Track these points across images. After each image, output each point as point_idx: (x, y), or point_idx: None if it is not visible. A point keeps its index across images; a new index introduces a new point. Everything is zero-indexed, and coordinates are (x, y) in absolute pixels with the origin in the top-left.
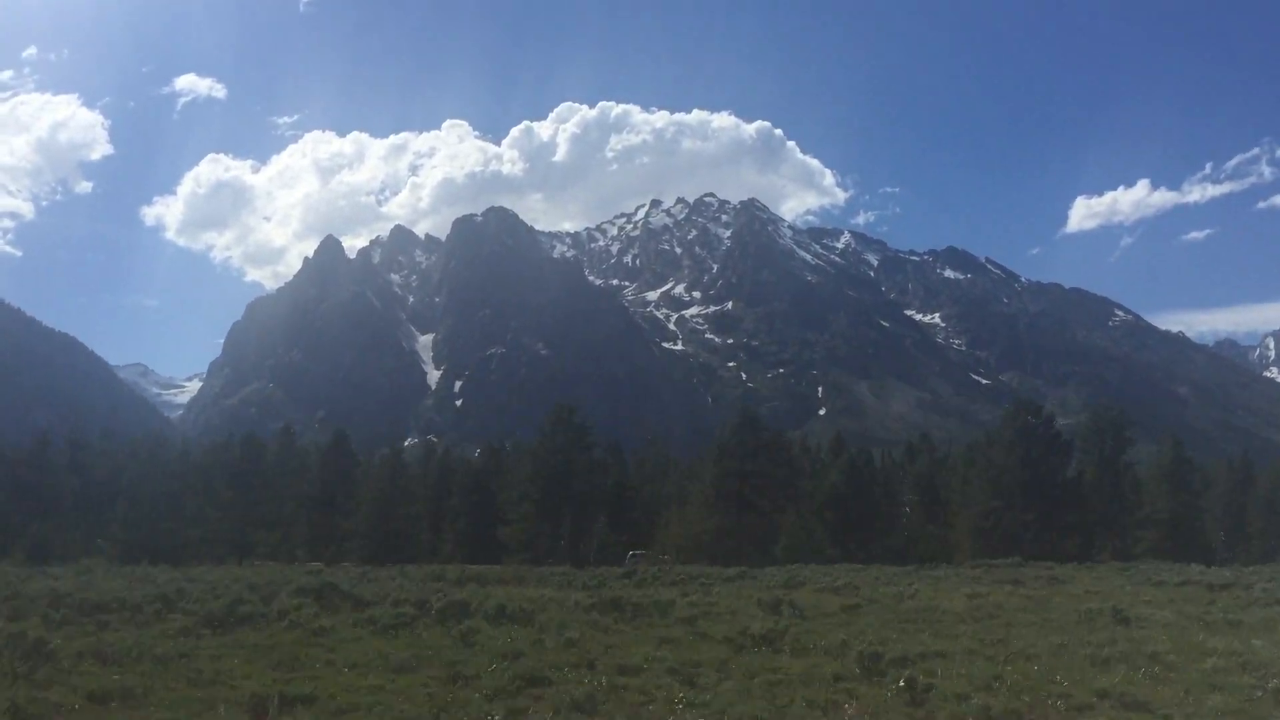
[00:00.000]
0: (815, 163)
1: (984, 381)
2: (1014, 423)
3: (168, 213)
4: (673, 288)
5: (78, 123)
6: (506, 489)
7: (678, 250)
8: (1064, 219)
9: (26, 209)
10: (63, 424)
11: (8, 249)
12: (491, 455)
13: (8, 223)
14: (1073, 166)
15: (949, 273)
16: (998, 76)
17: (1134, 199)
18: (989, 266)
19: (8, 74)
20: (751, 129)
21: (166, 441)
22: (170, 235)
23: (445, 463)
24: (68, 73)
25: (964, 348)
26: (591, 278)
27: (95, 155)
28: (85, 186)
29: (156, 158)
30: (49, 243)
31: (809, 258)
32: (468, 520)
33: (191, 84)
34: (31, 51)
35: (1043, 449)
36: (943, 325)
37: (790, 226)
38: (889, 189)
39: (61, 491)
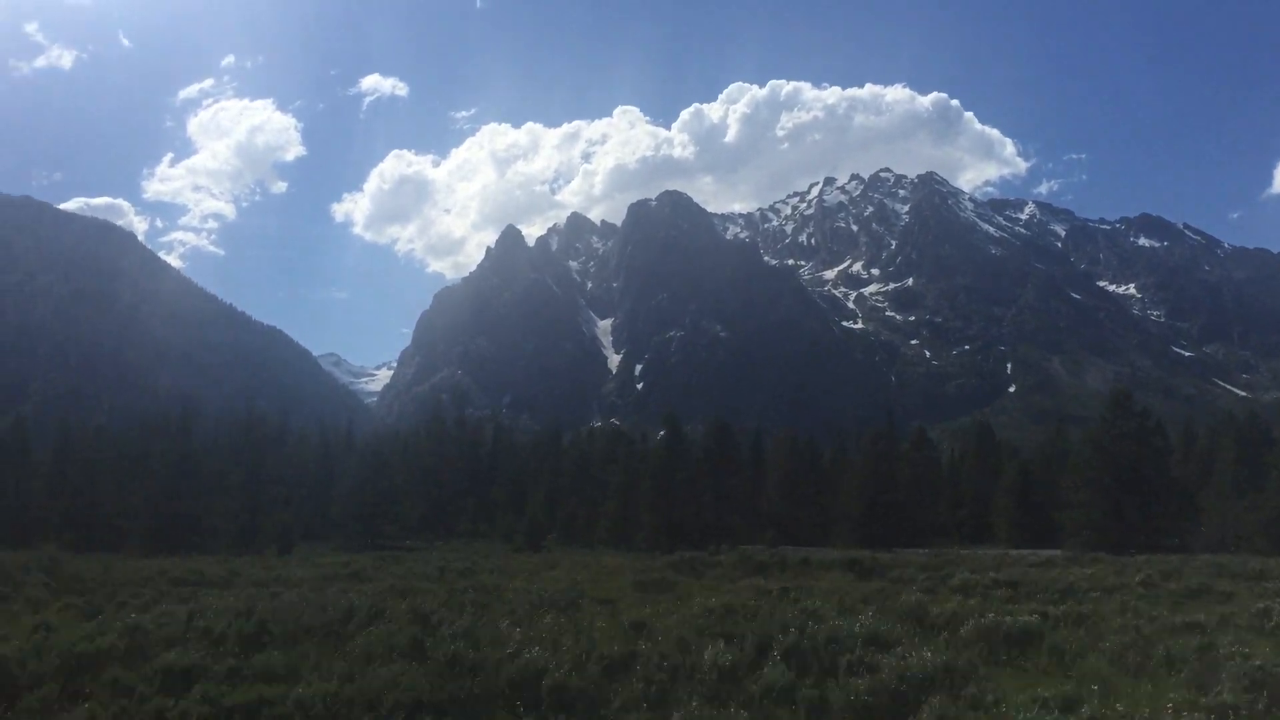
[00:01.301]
0: (994, 132)
1: (1187, 354)
2: None
3: (355, 209)
4: (850, 265)
5: (273, 126)
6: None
7: (854, 227)
8: (1268, 180)
9: (229, 210)
10: (275, 414)
11: (212, 248)
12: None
13: (212, 224)
14: (1275, 123)
15: (1144, 241)
16: (1188, 29)
17: None
18: (1187, 233)
19: (209, 82)
20: (927, 101)
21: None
22: (358, 230)
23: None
24: (263, 78)
25: (1163, 319)
26: (767, 258)
27: (289, 156)
28: (280, 187)
29: (345, 156)
30: (249, 241)
31: (992, 230)
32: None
33: (376, 84)
34: (230, 60)
35: None
36: (1139, 296)
37: (971, 199)
38: (1074, 155)
39: (303, 479)
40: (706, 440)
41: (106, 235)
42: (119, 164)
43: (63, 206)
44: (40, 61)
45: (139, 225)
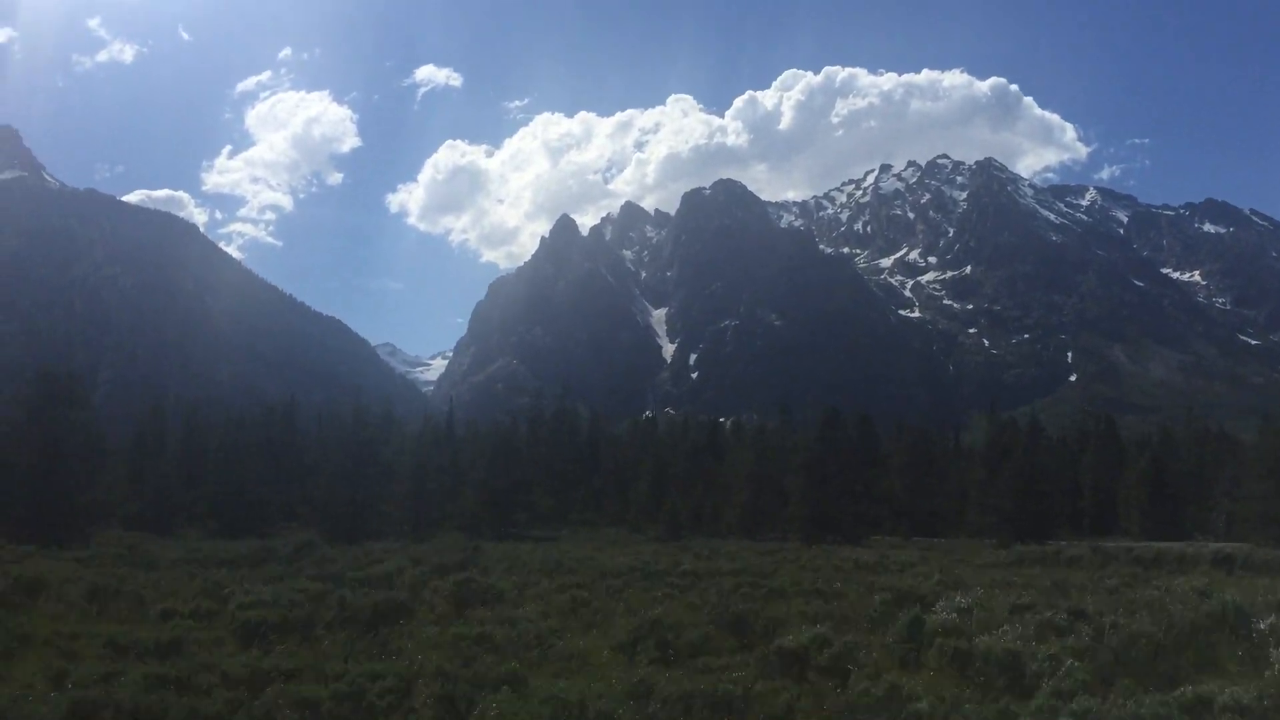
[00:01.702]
0: (1054, 117)
1: (1253, 342)
2: None
3: (410, 199)
4: (907, 253)
5: (329, 118)
6: None
7: (910, 215)
8: None
9: (286, 201)
10: (333, 403)
11: (270, 240)
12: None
13: (270, 215)
14: None
15: (1209, 227)
16: (1256, 9)
17: None
18: (1254, 219)
19: (267, 74)
20: (985, 86)
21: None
22: (412, 220)
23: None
24: (319, 71)
25: (1229, 306)
26: (822, 246)
27: (345, 148)
28: (336, 178)
29: (399, 147)
30: (305, 232)
31: (1052, 217)
32: None
33: (430, 75)
34: (287, 52)
35: None
36: (1204, 283)
37: (1030, 185)
38: (1137, 140)
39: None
40: (848, 431)
41: (169, 227)
42: (179, 157)
43: (125, 199)
44: (102, 56)
45: (198, 217)
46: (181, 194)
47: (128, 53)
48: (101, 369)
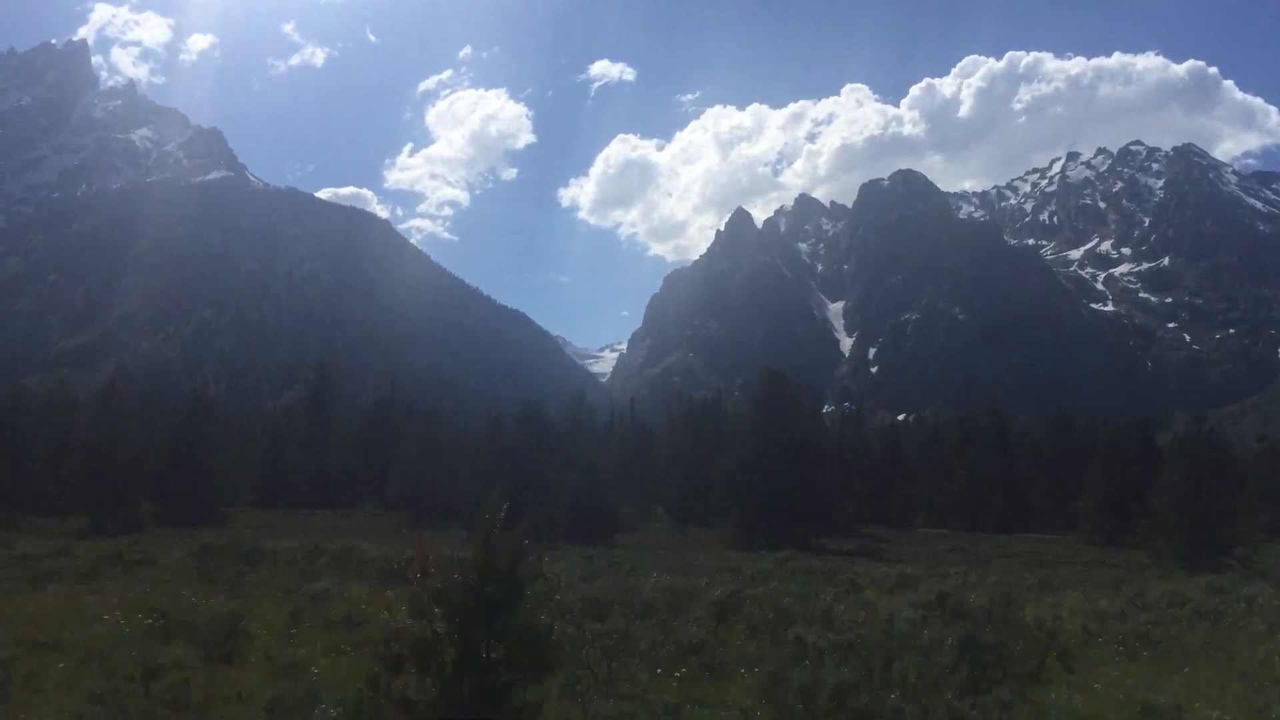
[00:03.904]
0: (1257, 101)
1: None
2: None
3: (581, 193)
4: (1098, 245)
5: (505, 114)
6: None
7: (1101, 204)
8: None
9: (463, 197)
10: (519, 394)
11: (447, 235)
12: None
13: (448, 210)
14: None
15: None
16: None
17: None
18: None
19: (447, 73)
20: (1181, 69)
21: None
22: (583, 215)
23: None
24: (497, 68)
25: None
26: (1005, 238)
27: (520, 144)
28: (511, 173)
29: (572, 142)
30: (480, 227)
31: (1259, 205)
32: None
33: (604, 70)
34: (467, 51)
35: None
36: None
37: (1234, 171)
38: None
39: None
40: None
41: (362, 223)
42: (363, 155)
43: (316, 196)
44: (295, 60)
45: (381, 214)
46: (365, 191)
47: (319, 56)
48: (306, 360)
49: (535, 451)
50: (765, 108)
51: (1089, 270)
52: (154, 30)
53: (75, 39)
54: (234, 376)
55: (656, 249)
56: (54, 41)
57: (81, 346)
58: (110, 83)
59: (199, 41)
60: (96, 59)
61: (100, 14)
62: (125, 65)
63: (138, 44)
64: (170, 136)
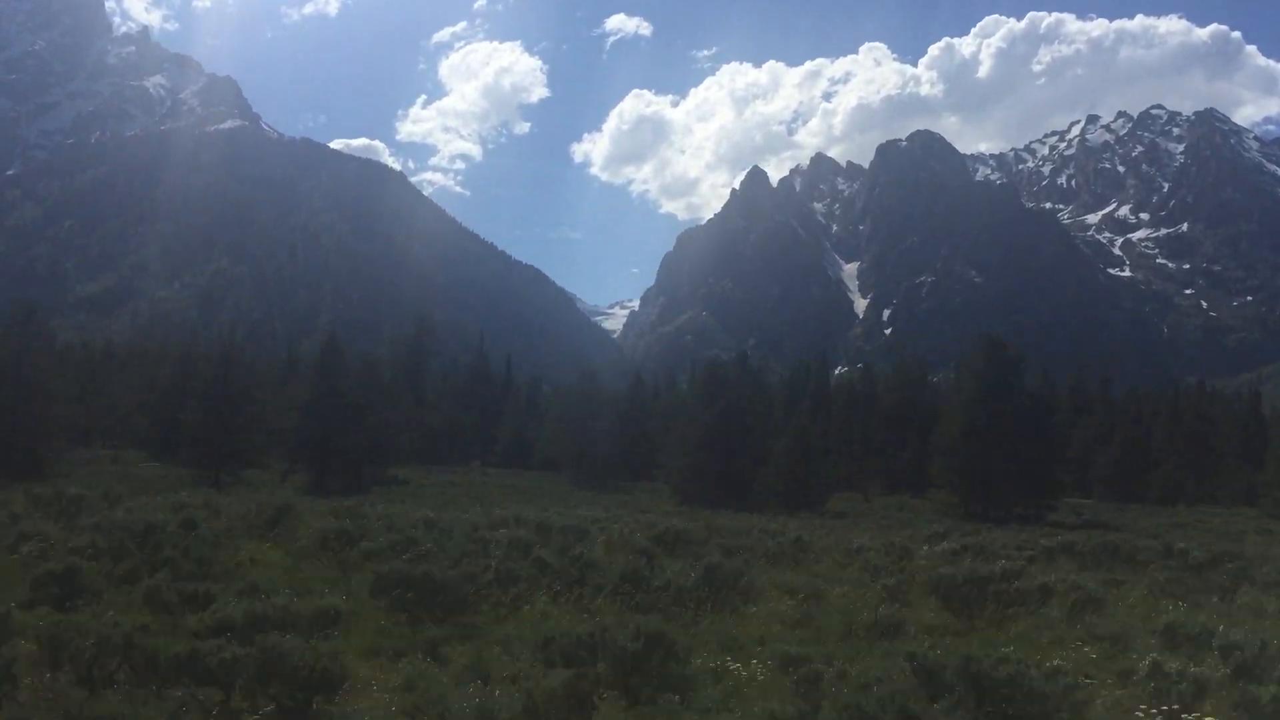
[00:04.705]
0: (1279, 66)
1: None
2: None
3: (594, 149)
4: (1116, 209)
5: (520, 68)
6: None
7: (1120, 169)
8: None
9: (475, 151)
10: (532, 351)
11: (458, 189)
12: None
13: (460, 164)
14: None
15: None
16: None
17: None
18: None
19: (461, 25)
20: (1204, 33)
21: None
22: (595, 171)
23: None
24: (512, 21)
25: None
26: (1023, 201)
27: (534, 98)
28: (524, 127)
29: (586, 97)
30: (492, 181)
31: None
32: None
33: (620, 24)
34: (482, 3)
35: None
36: None
37: (1256, 138)
38: None
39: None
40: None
41: (377, 175)
42: (376, 106)
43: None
44: (308, 8)
45: (393, 166)
46: (377, 143)
47: (333, 5)
48: (321, 311)
49: (746, 415)
50: (782, 65)
51: (1107, 235)
52: None
53: None
54: (251, 325)
55: (668, 206)
56: None
57: (99, 293)
58: (124, 29)
59: None
60: (110, 4)
61: None
62: (138, 11)
63: None
64: (185, 84)
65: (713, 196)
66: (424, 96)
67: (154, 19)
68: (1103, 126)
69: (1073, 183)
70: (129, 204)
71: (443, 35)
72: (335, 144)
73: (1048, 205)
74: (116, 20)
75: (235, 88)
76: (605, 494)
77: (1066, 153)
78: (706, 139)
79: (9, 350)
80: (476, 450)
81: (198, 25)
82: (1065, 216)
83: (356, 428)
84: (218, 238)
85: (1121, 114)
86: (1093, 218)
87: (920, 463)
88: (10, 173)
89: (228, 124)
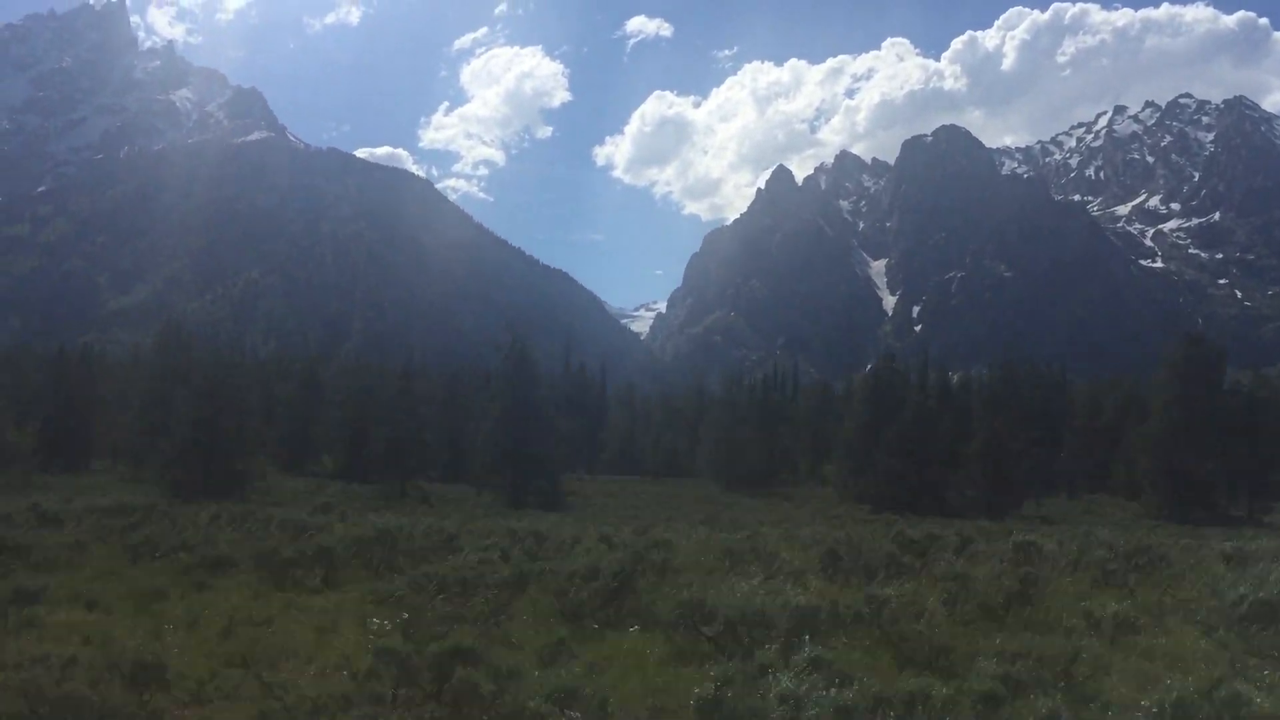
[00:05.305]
0: None
1: None
2: None
3: (616, 152)
4: (1146, 200)
5: (541, 72)
6: None
7: (1149, 159)
8: None
9: (498, 156)
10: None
11: (482, 195)
12: None
13: (483, 170)
14: None
15: None
16: None
17: None
18: None
19: (482, 30)
20: (1231, 20)
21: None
22: (618, 173)
23: None
24: (532, 25)
25: None
26: (1052, 194)
27: (555, 102)
28: (546, 132)
29: (608, 100)
30: (515, 187)
31: None
32: None
33: (641, 25)
34: (502, 8)
35: None
36: None
37: None
38: None
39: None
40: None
41: (403, 182)
42: (399, 114)
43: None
44: (330, 19)
45: (417, 173)
46: (401, 151)
47: (354, 14)
48: (353, 319)
49: (939, 420)
50: (804, 63)
51: (1137, 226)
52: None
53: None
54: (283, 335)
55: (691, 208)
56: (92, 2)
57: (131, 306)
58: (149, 43)
59: (235, 0)
60: (135, 19)
61: None
62: (162, 26)
63: (174, 3)
64: (210, 97)
65: (736, 196)
66: (446, 103)
67: (178, 33)
68: (1130, 117)
69: (1101, 174)
70: (159, 217)
71: (464, 41)
72: (360, 152)
73: (1076, 198)
74: (142, 35)
75: (261, 99)
76: (758, 498)
77: (1094, 144)
78: (729, 139)
79: (212, 369)
80: (582, 459)
81: (222, 38)
82: (1094, 208)
83: (548, 438)
84: (248, 248)
85: (1149, 104)
86: (1123, 209)
87: (1079, 464)
88: (41, 189)
89: (254, 135)
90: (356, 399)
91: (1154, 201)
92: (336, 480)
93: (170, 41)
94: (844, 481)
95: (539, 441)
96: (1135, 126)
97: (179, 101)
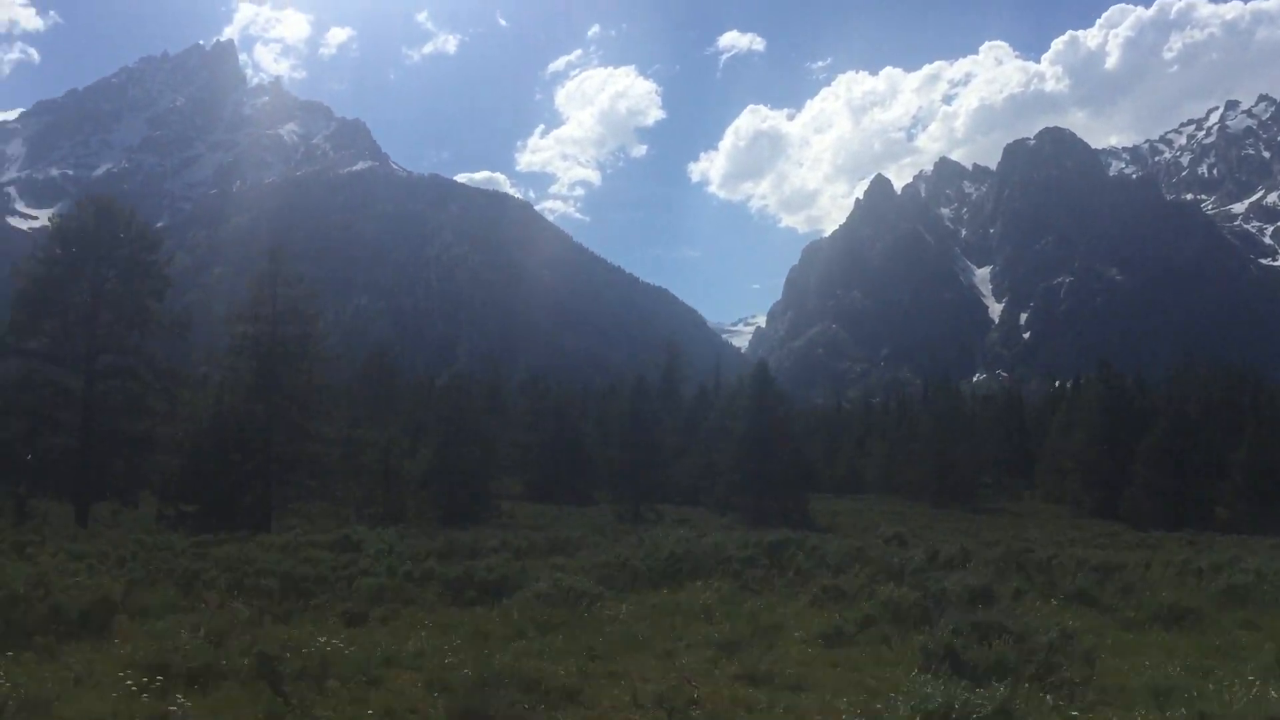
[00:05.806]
0: None
1: None
2: None
3: (711, 167)
4: (1264, 196)
5: (635, 91)
6: None
7: (1266, 154)
8: None
9: (594, 176)
10: (666, 371)
11: (578, 215)
12: None
13: (580, 191)
14: None
15: None
16: None
17: None
18: None
19: (576, 53)
20: None
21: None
22: (713, 189)
23: None
24: (625, 45)
25: None
26: (1163, 193)
27: (649, 120)
28: (641, 150)
29: (702, 116)
30: (610, 206)
31: None
32: None
33: (733, 40)
34: (595, 30)
35: None
36: None
37: None
38: None
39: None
40: None
41: (503, 206)
42: (495, 138)
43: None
44: (428, 48)
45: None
46: (498, 175)
47: (451, 43)
48: (460, 342)
49: (1198, 427)
50: (899, 71)
51: (1255, 224)
52: (294, 27)
53: (222, 39)
54: (391, 360)
55: (788, 220)
56: (202, 42)
57: None
58: (256, 80)
59: (337, 35)
60: (241, 57)
61: (244, 13)
62: (268, 62)
63: (279, 41)
64: (316, 130)
65: (833, 208)
66: (542, 126)
67: (283, 69)
68: (1244, 112)
69: (1215, 171)
70: (272, 249)
71: (558, 65)
72: (459, 178)
73: (1189, 197)
74: (250, 73)
75: (364, 130)
76: (980, 515)
77: (1206, 141)
78: (824, 150)
79: (470, 400)
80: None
81: (325, 72)
82: (1209, 207)
83: (789, 458)
84: (355, 276)
85: (1264, 97)
86: (1239, 207)
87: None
88: (160, 225)
89: (359, 165)
90: (563, 418)
91: (1272, 198)
92: (532, 502)
93: (276, 78)
94: (1079, 496)
95: (782, 460)
96: (1249, 121)
97: (286, 135)
